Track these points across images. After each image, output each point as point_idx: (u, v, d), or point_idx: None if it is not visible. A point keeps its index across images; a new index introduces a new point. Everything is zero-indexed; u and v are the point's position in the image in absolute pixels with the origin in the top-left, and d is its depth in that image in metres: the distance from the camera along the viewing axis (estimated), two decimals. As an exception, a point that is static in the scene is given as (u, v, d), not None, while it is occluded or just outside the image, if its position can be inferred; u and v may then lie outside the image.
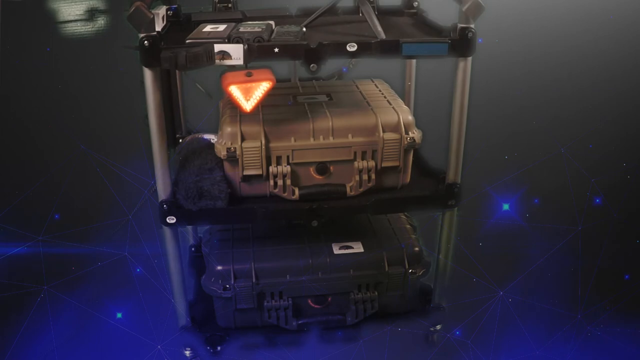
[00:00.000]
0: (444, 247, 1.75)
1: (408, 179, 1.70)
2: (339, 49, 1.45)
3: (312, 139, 1.60)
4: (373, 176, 1.64)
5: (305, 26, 1.56)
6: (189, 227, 2.09)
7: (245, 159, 1.57)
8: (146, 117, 1.48)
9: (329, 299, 1.79)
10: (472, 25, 1.45)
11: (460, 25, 1.45)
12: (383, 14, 1.86)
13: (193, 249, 2.09)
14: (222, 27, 1.53)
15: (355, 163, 1.62)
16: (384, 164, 1.63)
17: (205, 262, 1.81)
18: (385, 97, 1.76)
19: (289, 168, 1.60)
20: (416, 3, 1.84)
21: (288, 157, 1.60)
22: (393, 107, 1.67)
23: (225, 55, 1.41)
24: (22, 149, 2.48)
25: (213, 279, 1.73)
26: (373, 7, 1.73)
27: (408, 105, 1.87)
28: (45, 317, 1.90)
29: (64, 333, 1.89)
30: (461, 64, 1.49)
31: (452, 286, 1.86)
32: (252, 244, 1.79)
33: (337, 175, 1.64)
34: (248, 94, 1.47)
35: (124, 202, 1.83)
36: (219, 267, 1.73)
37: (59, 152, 2.08)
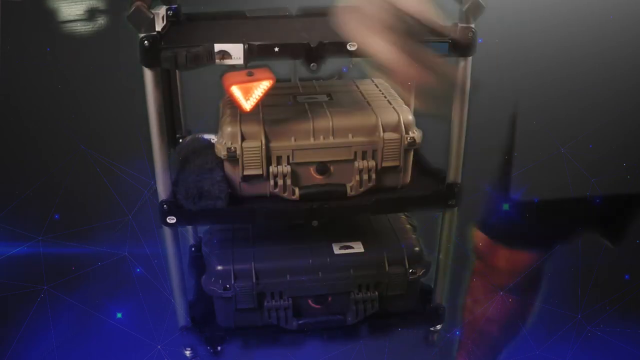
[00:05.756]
0: (444, 247, 1.75)
1: (408, 179, 1.70)
2: (339, 48, 1.45)
3: (312, 139, 1.60)
4: (373, 176, 1.63)
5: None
6: (189, 227, 2.09)
7: (245, 158, 1.57)
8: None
9: (329, 298, 1.79)
10: (473, 25, 1.45)
11: (460, 25, 1.45)
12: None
13: (193, 249, 2.09)
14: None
15: (356, 163, 1.62)
16: (384, 164, 1.63)
17: (205, 262, 1.81)
18: (385, 96, 1.75)
19: (289, 168, 1.60)
20: (416, 3, 1.84)
21: (288, 157, 1.60)
22: (393, 107, 1.67)
23: (225, 54, 1.41)
24: (22, 149, 2.48)
25: (213, 279, 1.73)
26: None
27: (408, 105, 1.87)
28: (45, 317, 1.90)
29: (64, 333, 1.89)
30: (461, 64, 1.49)
31: (452, 286, 1.86)
32: (253, 244, 1.79)
33: (337, 175, 1.64)
34: (249, 94, 1.47)
35: (124, 202, 1.83)
36: (219, 267, 1.73)
37: (59, 152, 2.08)
